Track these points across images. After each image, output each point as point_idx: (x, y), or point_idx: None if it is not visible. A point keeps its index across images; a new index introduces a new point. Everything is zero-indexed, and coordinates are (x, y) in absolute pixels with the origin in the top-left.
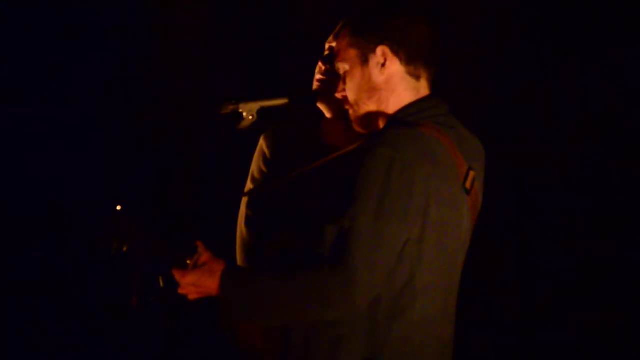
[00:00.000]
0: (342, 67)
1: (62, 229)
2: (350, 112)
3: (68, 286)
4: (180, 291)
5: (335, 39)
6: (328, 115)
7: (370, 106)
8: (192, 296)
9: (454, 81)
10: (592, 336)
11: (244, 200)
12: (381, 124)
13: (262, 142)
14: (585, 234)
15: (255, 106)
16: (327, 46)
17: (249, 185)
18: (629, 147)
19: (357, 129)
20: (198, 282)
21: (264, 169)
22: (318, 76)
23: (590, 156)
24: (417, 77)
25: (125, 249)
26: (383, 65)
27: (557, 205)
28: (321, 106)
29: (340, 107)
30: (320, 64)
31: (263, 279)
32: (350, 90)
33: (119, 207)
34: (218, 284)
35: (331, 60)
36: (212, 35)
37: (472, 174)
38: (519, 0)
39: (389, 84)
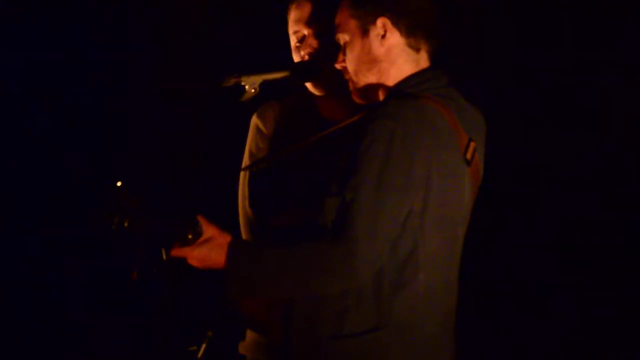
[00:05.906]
0: (342, 38)
1: (63, 207)
2: (350, 83)
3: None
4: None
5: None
6: (315, 91)
7: (370, 78)
8: (197, 267)
9: (455, 53)
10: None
11: (243, 177)
12: (381, 96)
13: (256, 120)
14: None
15: (257, 79)
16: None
17: (246, 163)
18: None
19: (357, 100)
20: (207, 256)
21: (261, 145)
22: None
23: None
24: (417, 49)
25: (126, 224)
26: (383, 36)
27: (558, 179)
28: (309, 84)
29: (328, 83)
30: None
31: (268, 252)
32: (350, 62)
33: (119, 183)
34: (225, 256)
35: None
36: (214, 8)
37: (472, 145)
38: None
39: (389, 55)
